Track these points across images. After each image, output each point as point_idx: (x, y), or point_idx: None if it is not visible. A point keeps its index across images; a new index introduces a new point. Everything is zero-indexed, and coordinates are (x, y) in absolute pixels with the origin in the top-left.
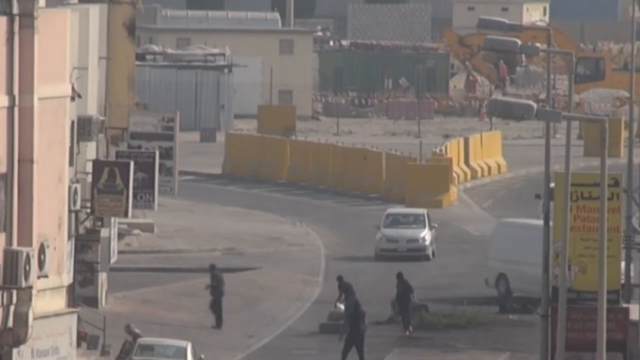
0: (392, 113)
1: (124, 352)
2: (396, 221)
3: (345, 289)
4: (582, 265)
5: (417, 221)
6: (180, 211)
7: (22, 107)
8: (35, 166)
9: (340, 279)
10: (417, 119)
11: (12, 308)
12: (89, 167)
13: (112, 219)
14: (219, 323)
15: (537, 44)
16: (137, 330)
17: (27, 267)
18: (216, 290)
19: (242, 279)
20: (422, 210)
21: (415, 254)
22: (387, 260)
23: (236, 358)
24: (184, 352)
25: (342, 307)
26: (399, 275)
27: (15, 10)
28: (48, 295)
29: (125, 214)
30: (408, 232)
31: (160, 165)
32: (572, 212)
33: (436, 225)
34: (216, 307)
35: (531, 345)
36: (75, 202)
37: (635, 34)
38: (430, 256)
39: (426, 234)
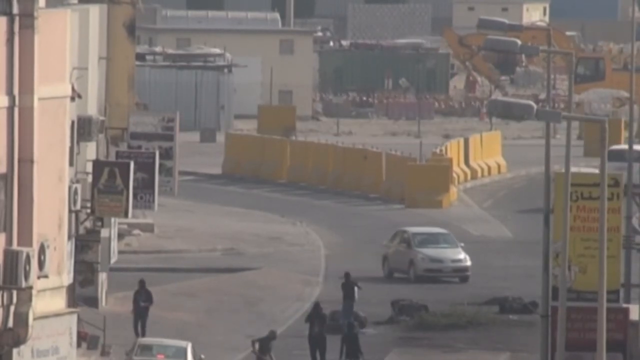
0: (392, 113)
1: None
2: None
3: (347, 288)
4: (582, 265)
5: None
6: (180, 211)
7: (22, 107)
8: (35, 166)
9: (347, 276)
10: (417, 119)
11: (12, 308)
12: (89, 167)
13: (112, 219)
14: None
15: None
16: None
17: (27, 267)
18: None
19: (242, 279)
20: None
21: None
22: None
23: (236, 358)
24: (184, 352)
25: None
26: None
27: (15, 10)
28: (48, 295)
29: (126, 214)
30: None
31: (160, 165)
32: (572, 212)
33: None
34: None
35: (531, 345)
36: (75, 202)
37: (635, 34)
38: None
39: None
